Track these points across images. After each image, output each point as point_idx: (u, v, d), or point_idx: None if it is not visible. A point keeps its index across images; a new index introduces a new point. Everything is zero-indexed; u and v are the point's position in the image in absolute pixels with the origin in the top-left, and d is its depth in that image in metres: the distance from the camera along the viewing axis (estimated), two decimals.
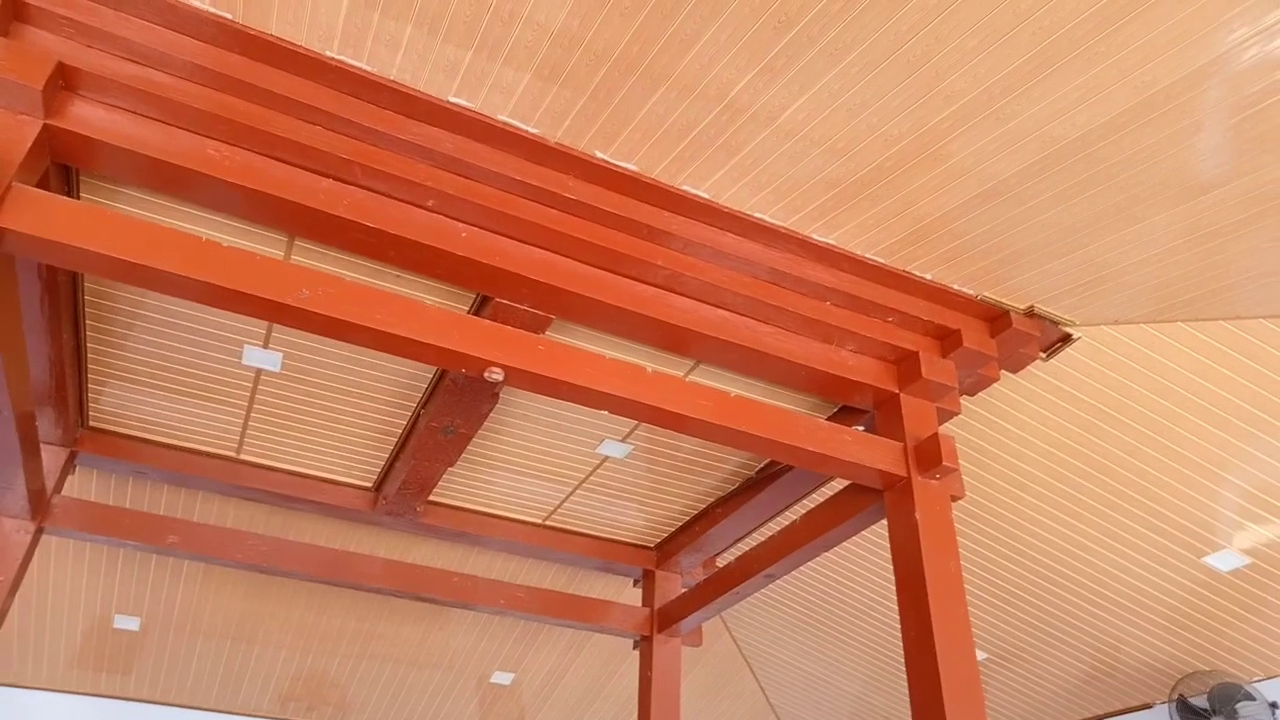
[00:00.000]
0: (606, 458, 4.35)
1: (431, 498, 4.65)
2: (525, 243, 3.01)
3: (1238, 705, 4.53)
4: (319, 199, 2.75)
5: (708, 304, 3.28)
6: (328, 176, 2.77)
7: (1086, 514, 4.29)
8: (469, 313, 3.29)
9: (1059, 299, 3.40)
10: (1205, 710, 4.61)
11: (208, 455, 4.33)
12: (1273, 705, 4.51)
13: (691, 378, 3.69)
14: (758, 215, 3.07)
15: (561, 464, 4.43)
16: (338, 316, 2.68)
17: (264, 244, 3.10)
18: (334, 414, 4.06)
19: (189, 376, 3.81)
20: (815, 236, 3.15)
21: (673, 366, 3.66)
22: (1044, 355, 3.65)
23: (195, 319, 3.49)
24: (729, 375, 3.69)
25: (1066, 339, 3.56)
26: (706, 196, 3.00)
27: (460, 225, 2.93)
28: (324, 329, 2.74)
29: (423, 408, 3.94)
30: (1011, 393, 3.86)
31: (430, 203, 2.86)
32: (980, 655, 5.49)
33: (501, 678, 6.23)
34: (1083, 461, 4.05)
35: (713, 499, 4.79)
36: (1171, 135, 2.52)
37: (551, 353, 2.98)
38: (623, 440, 4.21)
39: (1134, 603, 4.69)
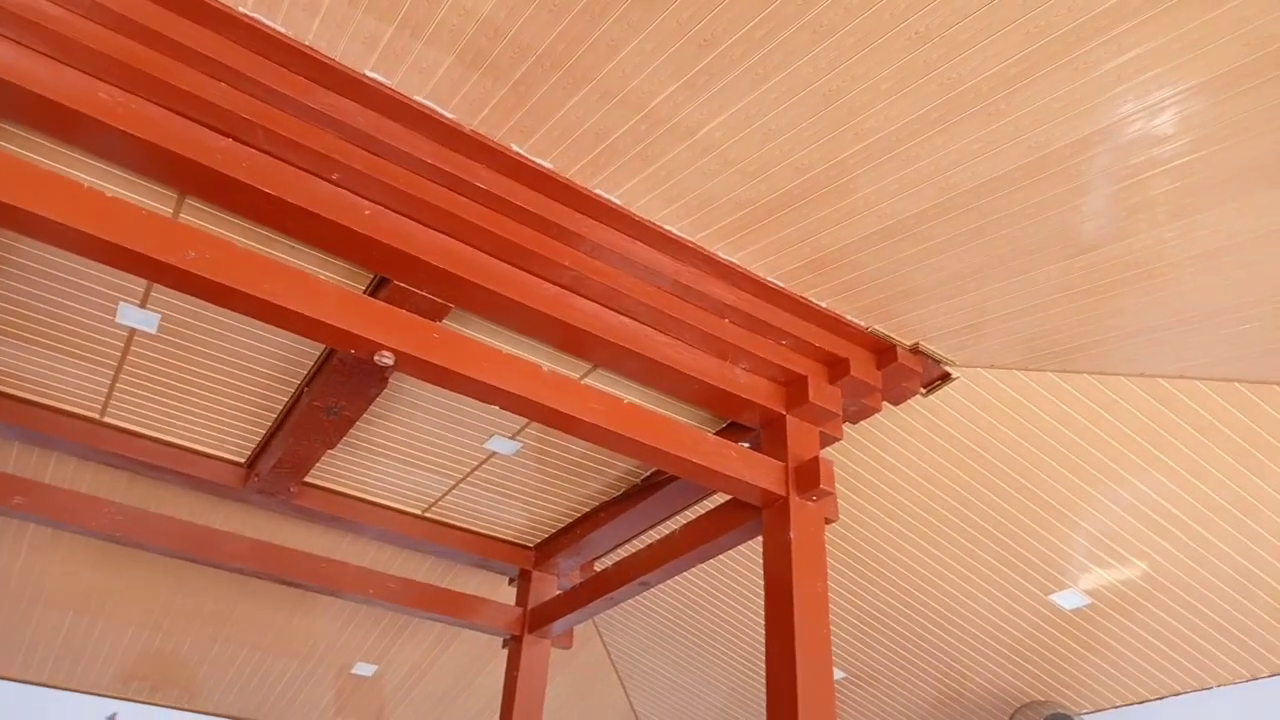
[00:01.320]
0: (494, 453, 4.31)
1: (307, 479, 4.51)
2: (430, 227, 2.95)
3: None
4: (216, 158, 2.64)
5: (610, 309, 3.29)
6: (228, 136, 2.66)
7: (948, 545, 4.50)
8: (365, 293, 3.21)
9: (943, 339, 3.55)
10: None
11: (68, 415, 4.08)
12: None
13: (587, 381, 3.69)
14: (667, 227, 3.10)
15: (447, 456, 4.36)
16: (224, 282, 2.57)
17: (152, 199, 2.95)
18: (211, 383, 3.89)
19: (56, 330, 3.58)
20: (721, 254, 3.20)
21: (569, 368, 3.65)
22: (924, 391, 3.80)
23: (70, 270, 3.29)
24: (624, 382, 3.71)
25: (946, 377, 3.72)
26: (619, 203, 3.02)
27: (364, 202, 2.85)
28: (209, 294, 2.63)
29: (306, 385, 3.81)
30: (891, 424, 4.01)
31: (335, 176, 2.77)
32: (838, 674, 5.67)
33: (364, 669, 6.07)
34: (949, 495, 4.25)
35: (596, 503, 4.80)
36: (1058, 195, 2.67)
37: (446, 342, 2.94)
38: (512, 437, 4.18)
39: (984, 633, 4.93)
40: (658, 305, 3.28)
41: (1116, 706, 4.92)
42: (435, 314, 3.09)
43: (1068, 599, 4.54)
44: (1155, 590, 4.29)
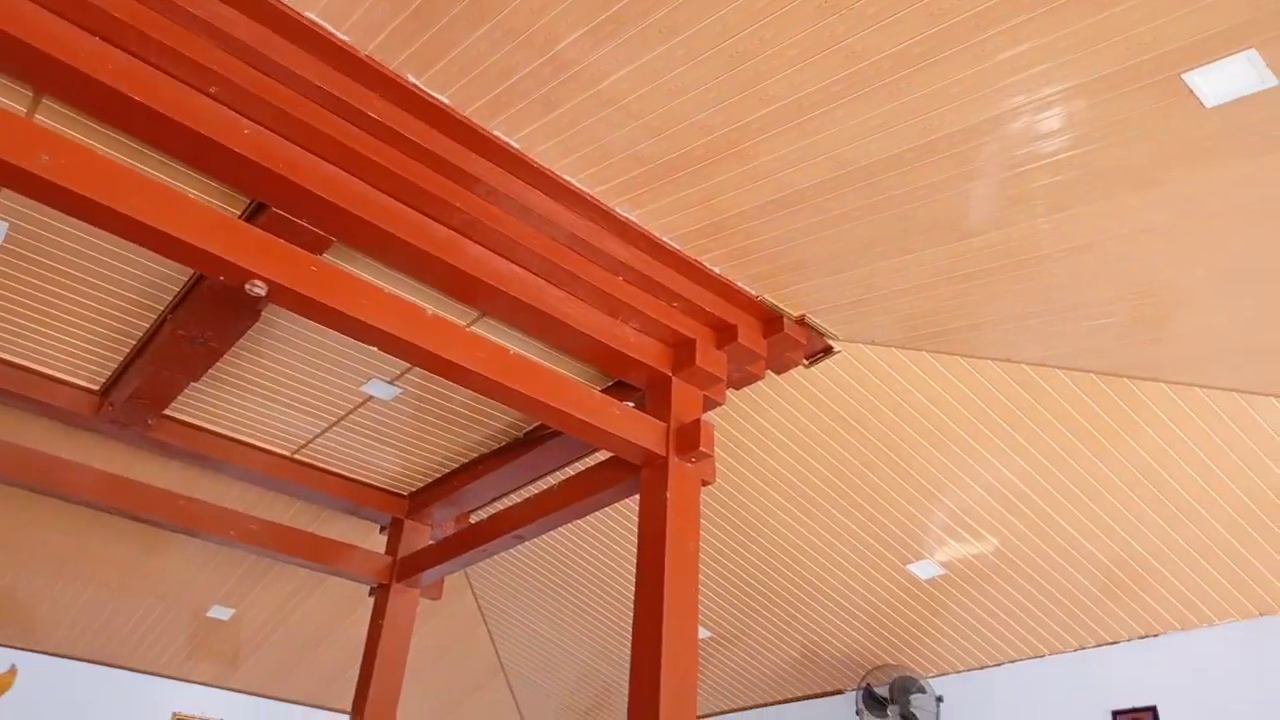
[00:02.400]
0: (371, 397, 4.18)
1: (167, 412, 4.26)
2: (315, 154, 2.80)
3: (911, 696, 5.10)
4: (80, 57, 2.42)
5: (502, 257, 3.22)
6: (95, 34, 2.44)
7: (817, 513, 4.65)
8: (239, 218, 3.03)
9: (829, 312, 3.64)
10: (885, 699, 5.15)
11: None
12: (939, 699, 5.12)
13: (473, 329, 3.61)
14: (566, 177, 3.04)
15: (321, 397, 4.20)
16: (83, 193, 2.37)
17: (4, 95, 2.68)
18: (65, 303, 3.62)
19: None
20: (618, 210, 3.17)
21: (455, 315, 3.56)
22: (807, 363, 3.89)
23: None
24: (511, 333, 3.64)
25: (828, 350, 3.82)
26: (518, 147, 2.93)
27: (244, 121, 2.68)
28: (65, 205, 2.43)
29: (170, 312, 3.59)
30: (772, 392, 4.09)
31: (213, 89, 2.59)
32: (704, 633, 5.82)
33: (220, 612, 5.85)
34: (822, 465, 4.38)
35: (476, 455, 4.74)
36: (947, 179, 2.75)
37: (326, 276, 2.81)
38: (391, 382, 4.06)
39: (844, 599, 5.14)
40: (552, 257, 3.22)
41: (959, 671, 5.23)
42: (315, 246, 2.95)
43: (924, 569, 4.77)
44: (1002, 564, 4.56)
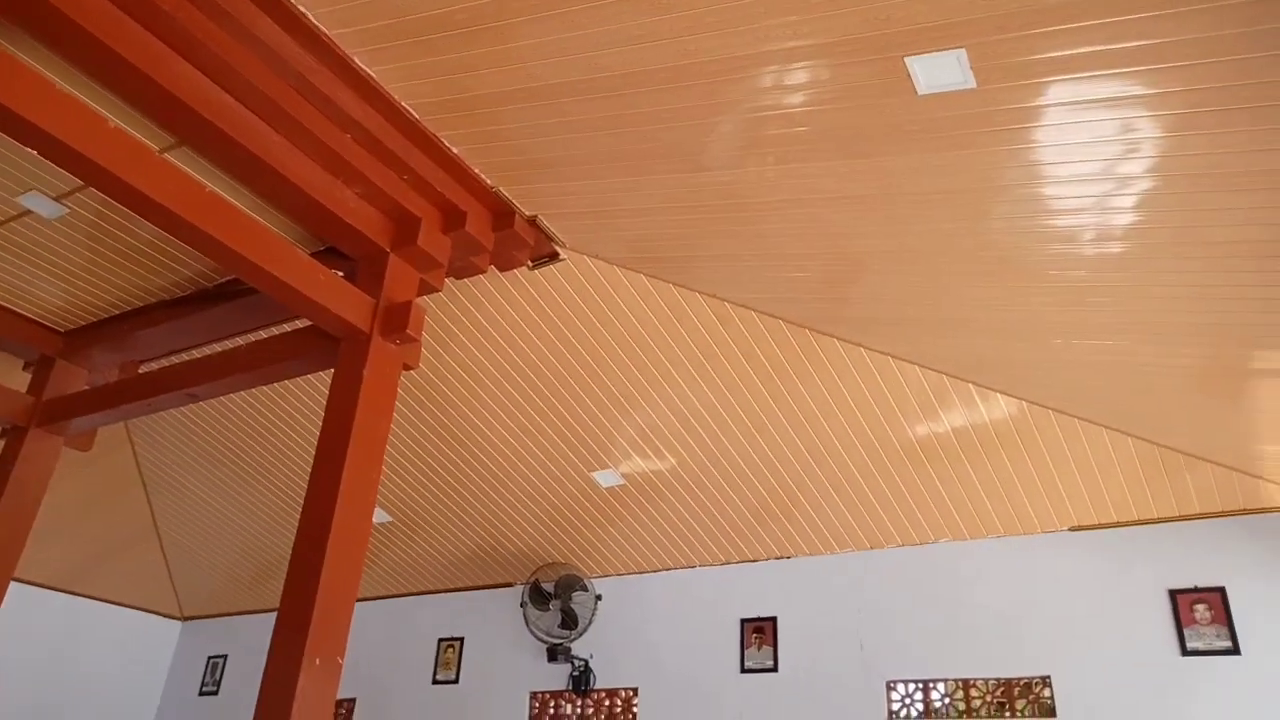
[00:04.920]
0: (29, 212, 3.60)
1: None
2: None
3: (574, 594, 5.44)
4: None
5: (216, 83, 2.86)
6: None
7: (515, 413, 4.74)
8: None
9: (561, 219, 3.65)
10: (550, 594, 5.45)
11: None
12: (598, 597, 5.51)
13: (168, 156, 3.20)
14: (303, 9, 2.74)
15: None
16: None
17: None
18: None
19: None
20: (357, 60, 2.92)
21: (149, 137, 3.13)
22: (531, 264, 3.90)
23: None
24: (216, 173, 3.28)
25: (554, 256, 3.85)
26: None
27: None
28: None
29: None
30: (492, 288, 4.06)
31: None
32: (385, 517, 5.77)
33: None
34: (527, 367, 4.45)
35: (155, 300, 4.27)
36: (694, 108, 2.81)
37: None
38: (57, 199, 3.51)
39: (529, 496, 5.32)
40: (277, 97, 2.92)
41: (620, 574, 5.65)
42: None
43: (606, 478, 5.05)
44: (675, 482, 4.94)
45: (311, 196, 3.18)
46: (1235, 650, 3.96)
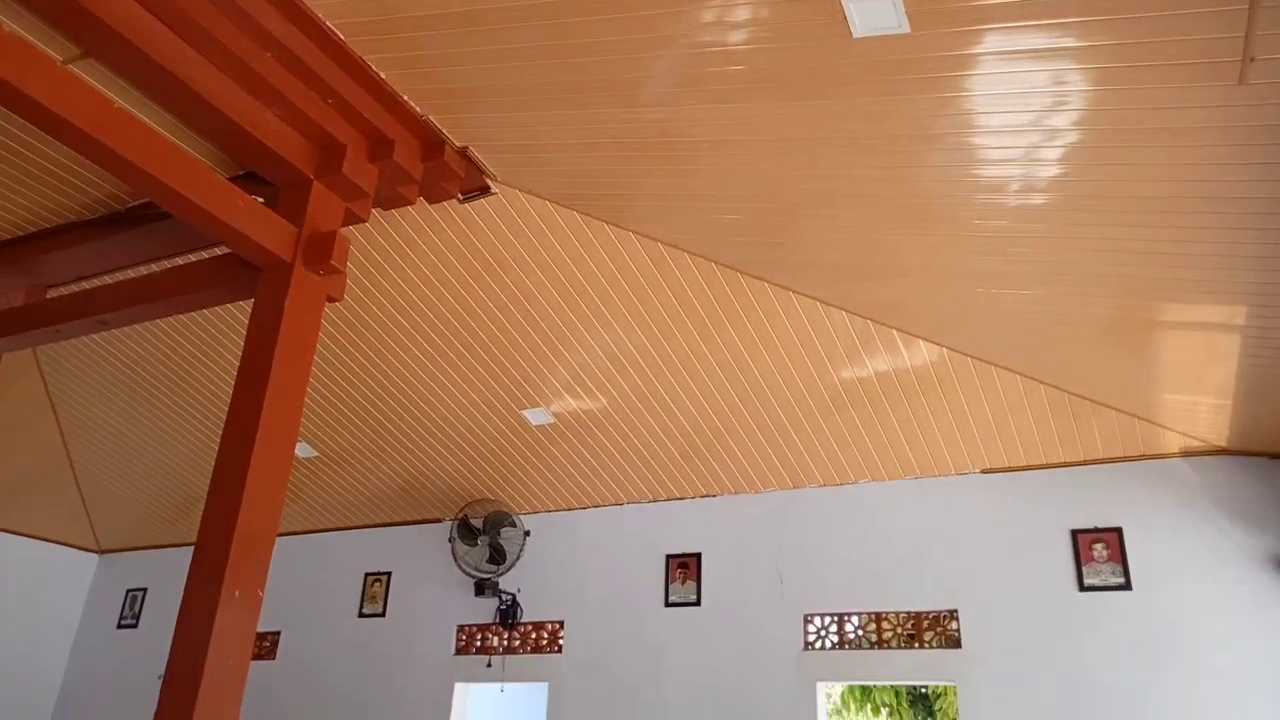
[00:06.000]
0: None
1: None
2: None
3: (503, 529, 5.47)
4: None
5: None
6: None
7: (444, 347, 4.68)
8: None
9: (493, 151, 3.57)
10: (478, 529, 5.47)
11: None
12: (526, 533, 5.55)
13: (72, 67, 3.01)
14: None
15: None
16: None
17: None
18: None
19: None
20: None
21: (51, 46, 2.94)
22: (461, 197, 3.81)
23: None
24: (128, 88, 3.10)
25: (485, 190, 3.77)
26: None
27: None
28: None
29: None
30: (421, 220, 3.97)
31: None
32: (309, 451, 5.69)
33: None
34: (457, 302, 4.39)
35: (63, 221, 4.06)
36: (637, 42, 2.75)
37: None
38: None
39: (457, 433, 5.30)
40: (192, 10, 2.76)
41: (550, 511, 5.70)
42: None
43: (536, 416, 5.05)
44: (606, 421, 4.97)
45: (229, 117, 3.04)
46: (1128, 586, 4.21)
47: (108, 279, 4.35)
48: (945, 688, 10.64)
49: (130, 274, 4.22)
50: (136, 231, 3.83)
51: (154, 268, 4.16)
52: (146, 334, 5.08)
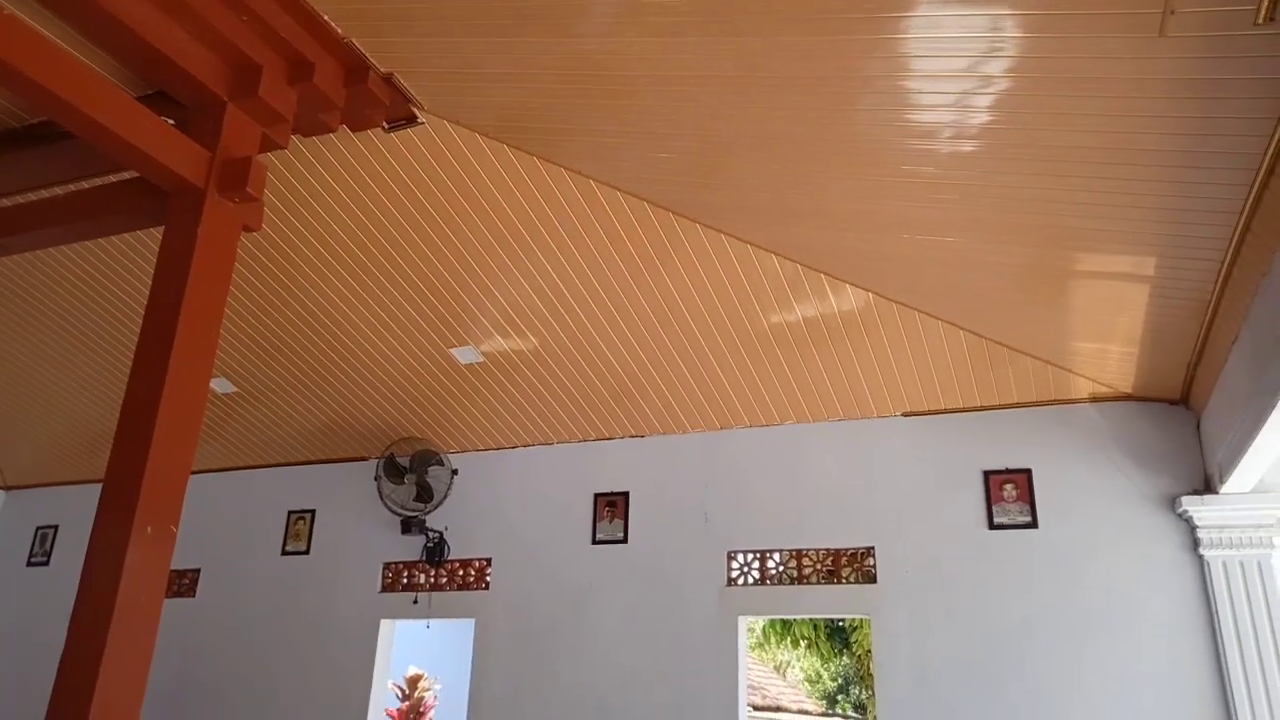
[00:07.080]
0: None
1: None
2: None
3: (430, 468, 5.43)
4: None
5: None
6: None
7: (368, 282, 4.56)
8: None
9: (420, 78, 3.44)
10: (405, 468, 5.42)
11: None
12: (454, 471, 5.52)
13: None
14: None
15: None
16: None
17: None
18: None
19: None
20: None
21: None
22: (387, 126, 3.68)
23: None
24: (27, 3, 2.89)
25: (412, 119, 3.64)
26: None
27: None
28: None
29: None
30: (343, 149, 3.83)
31: None
32: (229, 387, 5.53)
33: None
34: (383, 236, 4.27)
35: None
36: None
37: None
38: None
39: (384, 371, 5.20)
40: None
41: (478, 450, 5.67)
42: None
43: (465, 354, 4.99)
44: (535, 361, 4.94)
45: (136, 32, 2.86)
46: (1034, 524, 4.41)
47: (7, 201, 4.11)
48: (861, 621, 11.09)
49: (32, 197, 3.98)
50: (38, 151, 3.62)
51: (58, 191, 3.93)
52: (52, 260, 4.82)
